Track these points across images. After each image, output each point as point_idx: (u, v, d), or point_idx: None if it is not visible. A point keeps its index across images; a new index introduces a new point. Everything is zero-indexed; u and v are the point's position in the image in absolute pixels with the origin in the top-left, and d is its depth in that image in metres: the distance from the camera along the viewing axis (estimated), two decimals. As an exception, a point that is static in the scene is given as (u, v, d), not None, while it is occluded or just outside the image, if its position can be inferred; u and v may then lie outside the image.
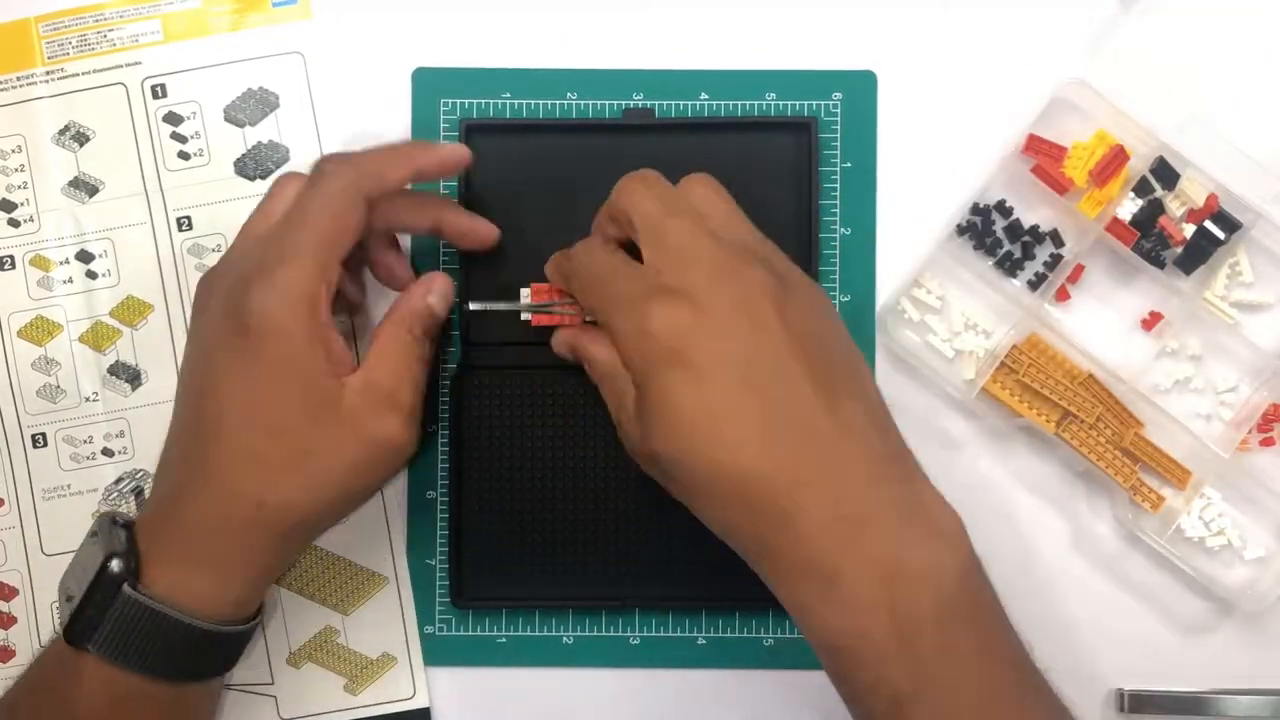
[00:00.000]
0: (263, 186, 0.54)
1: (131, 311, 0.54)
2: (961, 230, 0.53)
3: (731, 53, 0.55)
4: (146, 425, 0.54)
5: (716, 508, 0.41)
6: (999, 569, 0.42)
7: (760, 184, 0.53)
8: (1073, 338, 0.52)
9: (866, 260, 0.54)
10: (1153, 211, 0.52)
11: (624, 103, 0.54)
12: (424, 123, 0.54)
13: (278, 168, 0.54)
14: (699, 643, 0.53)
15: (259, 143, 0.54)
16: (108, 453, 0.54)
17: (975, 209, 0.53)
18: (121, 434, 0.54)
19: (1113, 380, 0.52)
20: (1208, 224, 0.52)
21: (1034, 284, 0.53)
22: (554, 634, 0.53)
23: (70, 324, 0.54)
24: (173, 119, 0.55)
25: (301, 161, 0.54)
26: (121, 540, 0.43)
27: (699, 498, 0.42)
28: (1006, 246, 0.53)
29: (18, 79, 0.55)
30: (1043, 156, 0.53)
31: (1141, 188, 0.52)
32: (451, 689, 0.53)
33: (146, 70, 0.55)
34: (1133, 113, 0.53)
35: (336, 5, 0.55)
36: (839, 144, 0.54)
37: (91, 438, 0.54)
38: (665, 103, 0.54)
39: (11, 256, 0.54)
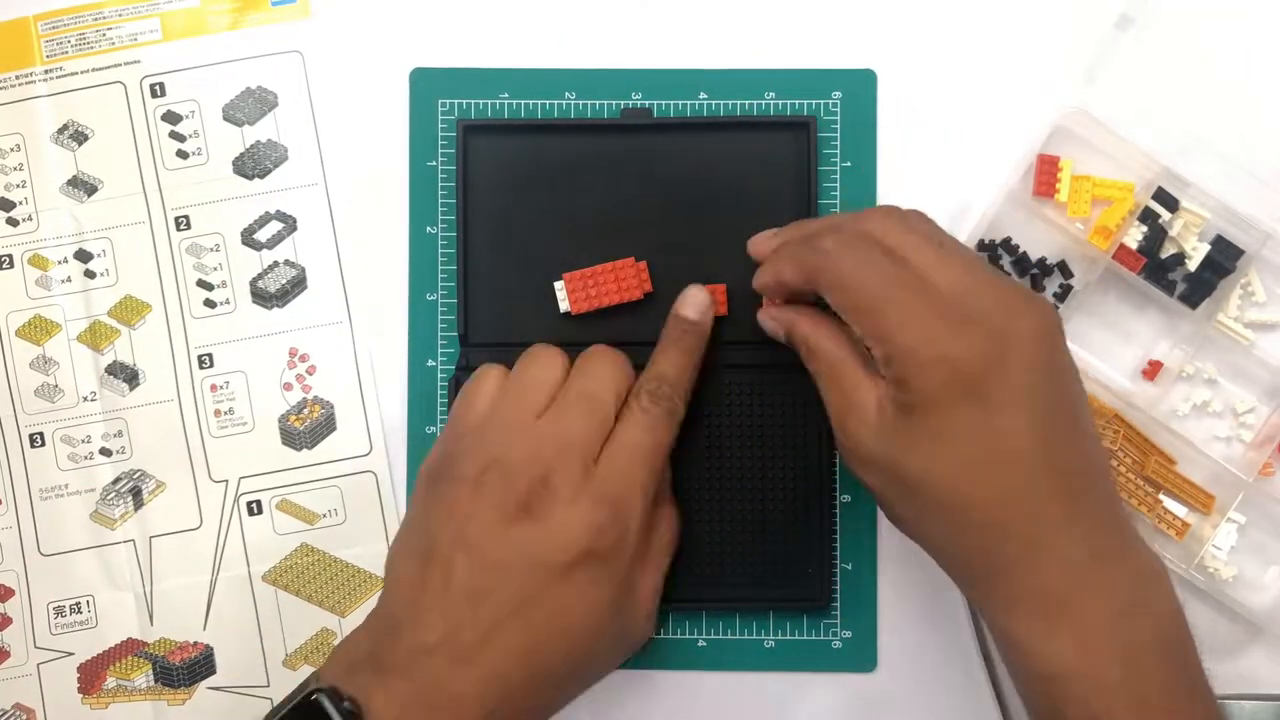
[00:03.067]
0: (262, 185, 0.54)
1: (130, 311, 0.54)
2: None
3: (730, 52, 0.54)
4: (144, 425, 0.54)
5: (954, 532, 0.42)
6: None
7: (759, 183, 0.53)
8: (1088, 368, 0.52)
9: None
10: (1158, 237, 0.52)
11: (622, 102, 0.54)
12: (422, 123, 0.54)
13: (276, 167, 0.54)
14: (699, 644, 0.53)
15: (257, 142, 0.54)
16: (105, 452, 0.54)
17: (981, 245, 0.53)
18: (119, 434, 0.54)
19: (1130, 408, 0.51)
20: (1211, 254, 0.52)
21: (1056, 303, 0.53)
22: None
23: (68, 323, 0.54)
24: (171, 118, 0.54)
25: (299, 161, 0.54)
26: None
27: (935, 519, 0.42)
28: (1016, 280, 0.53)
29: (16, 78, 0.55)
30: (1045, 186, 0.53)
31: (1146, 214, 0.52)
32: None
33: (145, 69, 0.54)
34: (1134, 138, 0.52)
35: (335, 4, 0.55)
36: (838, 143, 0.54)
37: (89, 437, 0.54)
38: (664, 102, 0.54)
39: (10, 255, 0.54)
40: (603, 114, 0.54)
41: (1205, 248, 0.52)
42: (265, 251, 0.54)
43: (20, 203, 0.54)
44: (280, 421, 0.54)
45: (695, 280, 0.51)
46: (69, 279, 0.54)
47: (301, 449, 0.54)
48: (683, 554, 0.52)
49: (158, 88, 0.55)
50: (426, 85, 0.54)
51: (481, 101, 0.54)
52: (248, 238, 0.54)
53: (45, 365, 0.54)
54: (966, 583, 0.43)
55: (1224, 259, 0.52)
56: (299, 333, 0.54)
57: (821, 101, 0.54)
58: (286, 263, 0.54)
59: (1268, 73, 0.54)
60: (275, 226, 0.54)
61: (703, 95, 0.54)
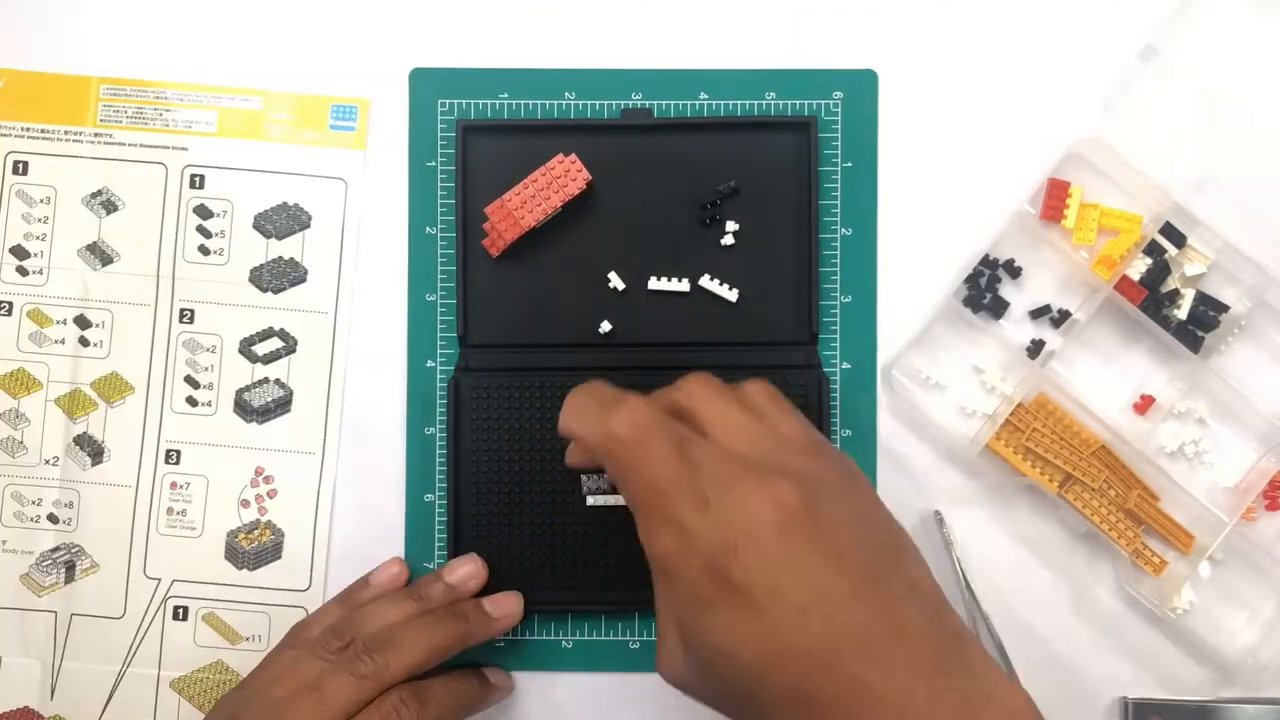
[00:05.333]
0: (273, 300, 0.54)
1: (112, 388, 0.54)
2: (969, 292, 0.53)
3: (731, 52, 0.54)
4: (96, 502, 0.54)
5: None
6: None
7: (760, 183, 0.53)
8: (1079, 397, 0.52)
9: (868, 260, 0.54)
10: (1162, 272, 0.52)
11: (622, 103, 0.54)
12: (421, 123, 0.54)
13: (292, 286, 0.54)
14: None
15: (280, 258, 0.54)
16: (53, 519, 0.53)
17: (985, 260, 0.53)
18: (71, 504, 0.54)
19: (1117, 442, 0.51)
20: (1212, 294, 0.52)
21: (1039, 344, 0.53)
22: (553, 638, 0.53)
23: (50, 384, 0.54)
24: (203, 212, 0.54)
25: (316, 287, 0.54)
26: None
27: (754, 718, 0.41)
28: (1012, 305, 0.53)
29: (65, 132, 0.55)
30: (1053, 210, 0.53)
31: (1152, 248, 0.52)
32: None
33: (191, 158, 0.55)
34: (1148, 170, 0.52)
35: (391, 144, 0.54)
36: (839, 143, 0.54)
37: (41, 500, 0.54)
38: (664, 102, 0.54)
39: (10, 303, 0.54)
40: (603, 114, 0.54)
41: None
42: (259, 365, 0.54)
43: (35, 254, 0.54)
44: (229, 536, 0.53)
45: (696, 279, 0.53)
46: (63, 341, 0.54)
47: (243, 568, 0.53)
48: None
49: (198, 179, 0.55)
50: (426, 85, 0.54)
51: (481, 101, 0.54)
52: (245, 348, 0.54)
53: (15, 420, 0.54)
54: None
55: (1225, 300, 0.52)
56: (270, 453, 0.54)
57: (822, 102, 0.54)
58: (277, 382, 0.54)
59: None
60: (275, 344, 0.54)
61: (703, 95, 0.54)
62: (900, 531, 0.42)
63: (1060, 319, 0.53)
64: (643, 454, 0.40)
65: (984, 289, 0.53)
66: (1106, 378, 0.53)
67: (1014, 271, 0.53)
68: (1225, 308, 0.52)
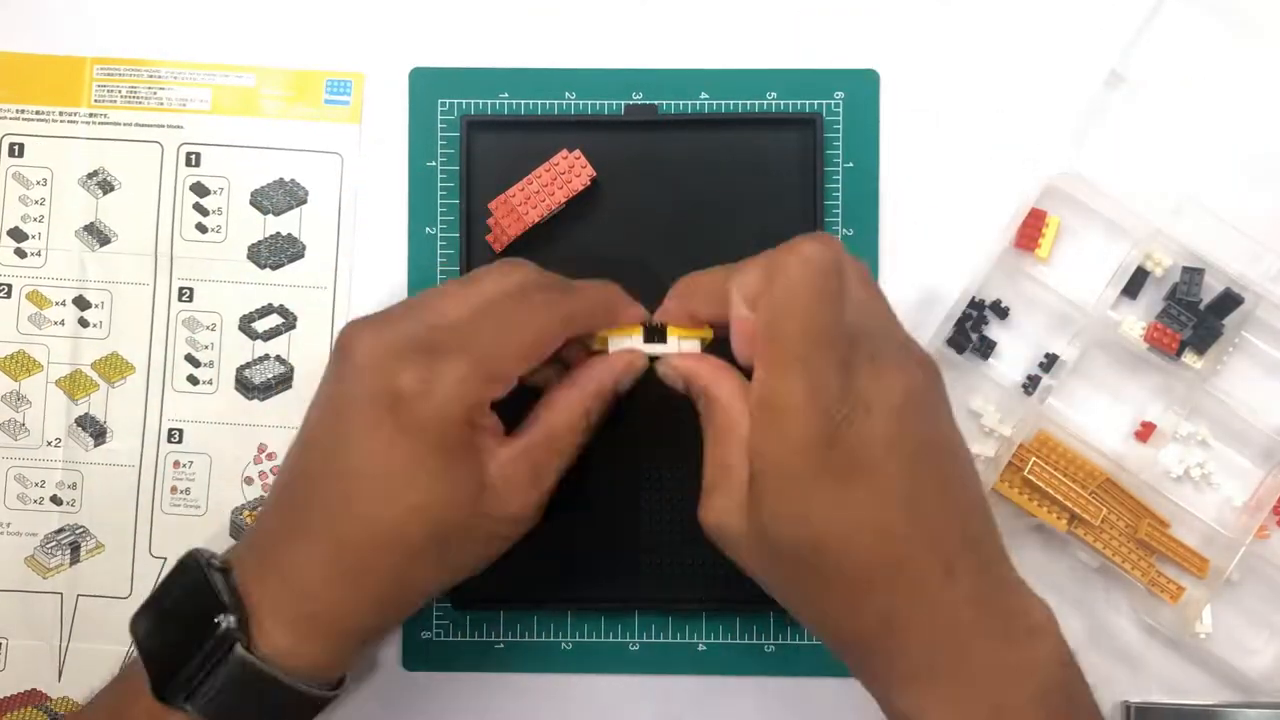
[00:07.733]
0: (272, 276, 0.54)
1: (113, 368, 0.54)
2: (957, 337, 0.52)
3: (732, 51, 0.54)
4: (100, 483, 0.53)
5: (833, 609, 0.41)
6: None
7: (764, 180, 0.53)
8: (1080, 431, 0.52)
9: (869, 261, 0.53)
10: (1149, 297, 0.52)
11: (623, 102, 0.54)
12: (421, 123, 0.54)
13: (290, 262, 0.54)
14: (699, 649, 0.53)
15: (278, 233, 0.54)
16: (56, 500, 0.53)
17: (972, 303, 0.52)
18: (74, 485, 0.53)
19: (1122, 472, 0.51)
20: (1204, 309, 0.52)
21: (1035, 379, 0.52)
22: (553, 639, 0.53)
23: (51, 365, 0.54)
24: (200, 190, 0.54)
25: (314, 262, 0.54)
26: (226, 591, 0.41)
27: (808, 594, 0.41)
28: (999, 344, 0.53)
29: (60, 113, 0.55)
30: (1027, 240, 0.52)
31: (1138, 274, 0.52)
32: (447, 694, 0.53)
33: (186, 136, 0.54)
34: (1125, 198, 0.52)
35: (387, 119, 0.54)
36: (841, 143, 0.54)
37: (44, 482, 0.53)
38: (665, 102, 0.54)
39: (10, 286, 0.54)
40: (604, 113, 0.54)
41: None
42: (259, 342, 0.54)
43: (33, 236, 0.54)
44: (233, 514, 0.53)
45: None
46: (62, 322, 0.54)
47: (247, 546, 0.53)
48: (685, 556, 0.52)
49: (193, 157, 0.55)
50: (426, 85, 0.54)
51: (482, 101, 0.54)
52: (245, 325, 0.54)
53: (16, 402, 0.54)
54: (841, 652, 0.42)
55: (1216, 319, 0.52)
56: (273, 430, 0.54)
57: (824, 101, 0.54)
58: (277, 358, 0.54)
59: (1260, 129, 0.53)
60: (275, 320, 0.54)
61: (704, 95, 0.54)
62: (959, 440, 0.43)
63: (1049, 362, 0.53)
64: (818, 295, 0.39)
65: (969, 330, 0.53)
66: (1106, 408, 0.53)
67: (1001, 312, 0.53)
68: (1219, 327, 0.52)
